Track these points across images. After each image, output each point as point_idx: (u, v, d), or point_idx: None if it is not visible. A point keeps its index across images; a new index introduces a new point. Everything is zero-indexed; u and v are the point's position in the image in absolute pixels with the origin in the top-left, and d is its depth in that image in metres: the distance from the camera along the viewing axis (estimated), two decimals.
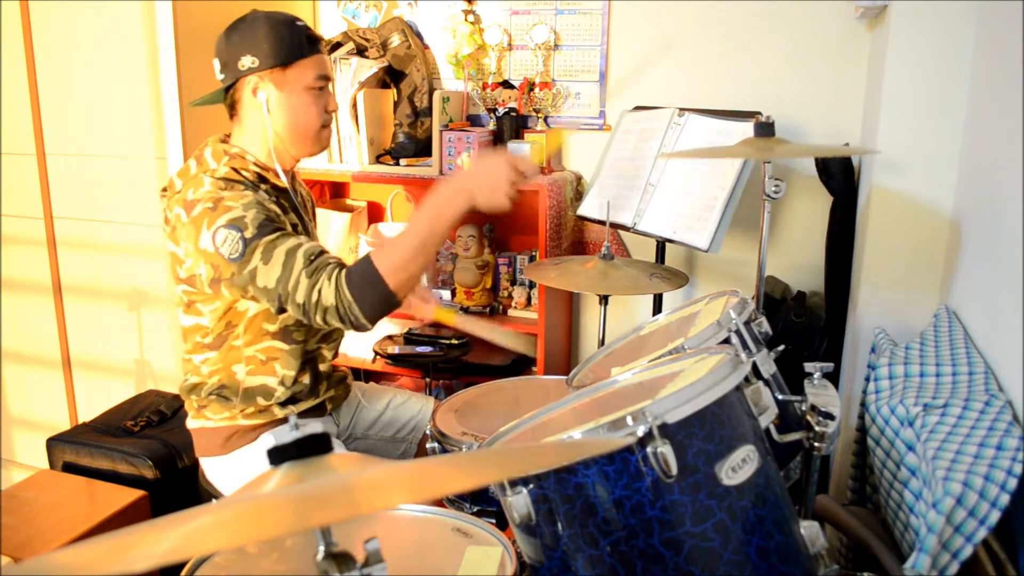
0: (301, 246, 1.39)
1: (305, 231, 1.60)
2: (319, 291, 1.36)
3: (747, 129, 1.92)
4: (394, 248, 1.38)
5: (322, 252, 1.40)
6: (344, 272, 1.36)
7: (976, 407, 1.15)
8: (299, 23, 1.51)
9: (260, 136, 1.53)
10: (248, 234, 1.38)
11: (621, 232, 2.33)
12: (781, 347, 1.31)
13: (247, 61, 1.47)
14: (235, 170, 1.48)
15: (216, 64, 1.52)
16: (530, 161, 1.41)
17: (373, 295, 1.35)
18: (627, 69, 2.42)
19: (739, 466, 0.89)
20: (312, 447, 0.66)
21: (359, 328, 1.39)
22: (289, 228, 1.47)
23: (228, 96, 1.54)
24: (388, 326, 2.48)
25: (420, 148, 2.47)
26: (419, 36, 2.58)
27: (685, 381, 0.95)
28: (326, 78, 1.55)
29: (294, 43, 1.49)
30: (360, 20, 2.67)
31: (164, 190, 1.55)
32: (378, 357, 2.33)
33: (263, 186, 1.51)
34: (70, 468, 2.11)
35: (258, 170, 1.52)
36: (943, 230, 1.73)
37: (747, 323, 1.25)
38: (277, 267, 1.37)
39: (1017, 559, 1.02)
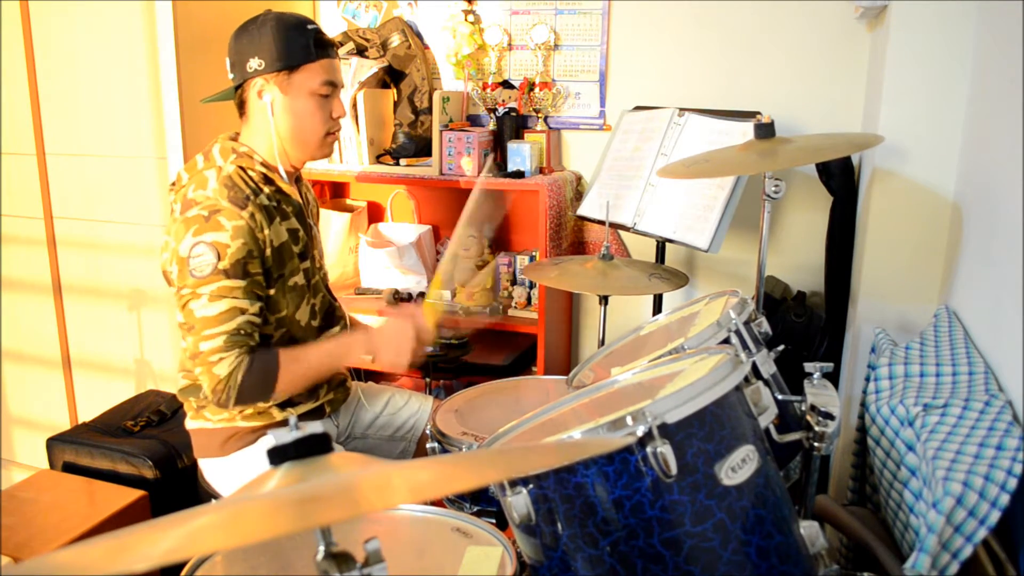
0: (246, 312, 1.44)
1: (307, 235, 1.60)
2: (220, 358, 1.42)
3: (747, 129, 1.92)
4: (298, 362, 1.49)
5: (255, 330, 1.46)
6: (249, 359, 1.43)
7: (976, 407, 1.15)
8: (310, 26, 1.50)
9: (266, 137, 1.54)
10: (221, 265, 1.41)
11: (621, 232, 2.33)
12: (781, 347, 1.31)
13: (254, 63, 1.47)
14: (242, 168, 1.49)
15: (228, 63, 1.52)
16: (431, 334, 1.59)
17: (261, 389, 1.46)
18: (627, 69, 2.42)
19: (739, 466, 0.89)
20: (312, 447, 0.66)
21: (220, 405, 1.45)
22: (270, 252, 1.47)
23: (237, 96, 1.54)
24: None
25: (420, 148, 2.47)
26: (419, 36, 2.58)
27: (685, 381, 0.95)
28: (333, 84, 1.54)
29: (301, 47, 1.48)
30: (360, 20, 2.67)
31: (173, 184, 1.55)
32: None
33: (267, 188, 1.51)
34: (70, 468, 2.11)
35: (264, 171, 1.53)
36: (943, 230, 1.73)
37: (747, 323, 1.25)
38: (214, 311, 1.42)
39: (1017, 559, 1.02)
